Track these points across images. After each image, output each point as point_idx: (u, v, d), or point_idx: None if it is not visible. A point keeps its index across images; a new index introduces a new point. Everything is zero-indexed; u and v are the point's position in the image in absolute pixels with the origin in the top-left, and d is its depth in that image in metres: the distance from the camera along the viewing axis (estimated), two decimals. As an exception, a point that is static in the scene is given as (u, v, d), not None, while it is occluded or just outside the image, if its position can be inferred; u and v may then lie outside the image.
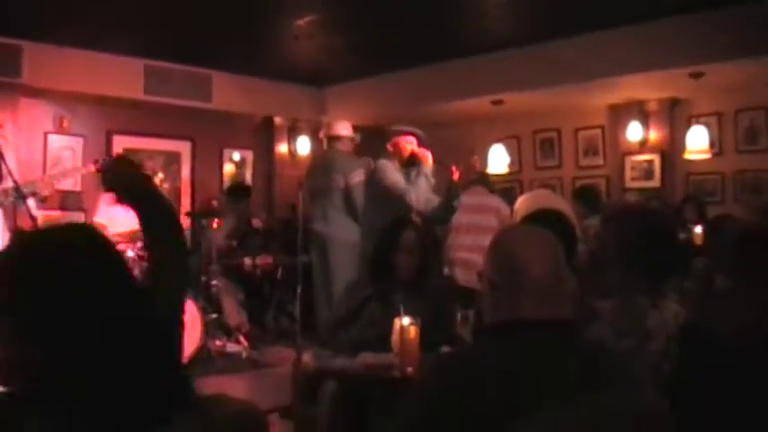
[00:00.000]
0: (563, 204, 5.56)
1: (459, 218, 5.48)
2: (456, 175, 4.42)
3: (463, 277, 5.34)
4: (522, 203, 5.92)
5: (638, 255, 2.16)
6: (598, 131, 7.62)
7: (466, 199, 5.61)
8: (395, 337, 2.74)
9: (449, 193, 4.49)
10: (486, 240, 5.99)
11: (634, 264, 2.16)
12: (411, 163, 4.63)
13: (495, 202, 5.64)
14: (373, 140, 5.55)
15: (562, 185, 7.78)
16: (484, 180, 5.86)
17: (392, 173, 4.56)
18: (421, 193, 4.52)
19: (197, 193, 8.01)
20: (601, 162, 7.60)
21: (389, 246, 3.12)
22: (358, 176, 5.27)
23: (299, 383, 3.13)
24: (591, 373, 1.49)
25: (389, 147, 4.72)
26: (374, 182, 4.66)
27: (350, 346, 2.92)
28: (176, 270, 1.68)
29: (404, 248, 3.10)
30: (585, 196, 6.00)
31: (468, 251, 5.39)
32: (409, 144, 4.70)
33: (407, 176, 4.59)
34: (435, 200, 4.57)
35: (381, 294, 3.09)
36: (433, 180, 4.61)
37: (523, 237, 1.67)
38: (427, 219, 4.53)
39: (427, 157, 4.62)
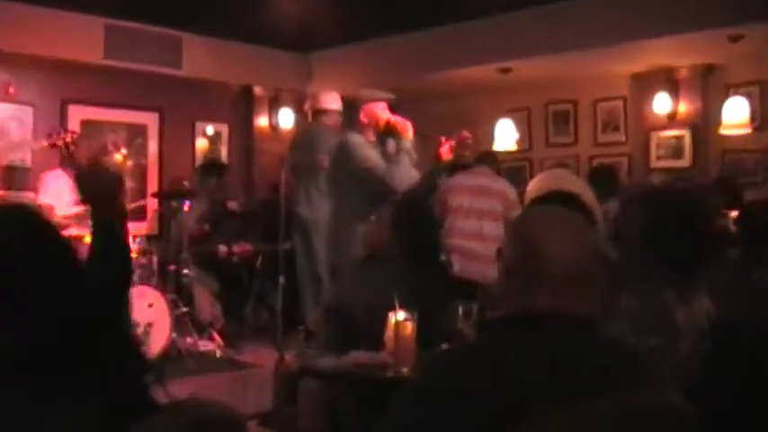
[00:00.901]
0: (581, 187, 5.51)
1: (459, 199, 5.48)
2: (445, 148, 4.27)
3: (461, 267, 5.36)
4: (534, 186, 5.89)
5: (667, 242, 2.13)
6: (619, 103, 7.62)
7: (467, 179, 5.61)
8: (389, 334, 2.76)
9: (432, 169, 4.33)
10: (489, 228, 5.94)
11: (661, 252, 2.14)
12: (387, 134, 4.42)
13: (501, 185, 5.65)
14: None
15: (578, 165, 7.78)
16: (489, 159, 5.86)
17: (366, 150, 4.32)
18: (404, 172, 4.30)
19: (165, 172, 7.98)
20: (622, 138, 7.61)
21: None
22: None
23: (281, 386, 3.15)
24: (610, 372, 1.49)
25: (363, 117, 4.48)
26: (343, 162, 4.41)
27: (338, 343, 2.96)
28: (111, 264, 1.69)
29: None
30: (602, 177, 5.99)
31: (466, 238, 5.40)
32: (383, 112, 4.46)
33: (383, 152, 4.39)
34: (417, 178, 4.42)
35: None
36: (414, 156, 4.42)
37: (546, 217, 1.65)
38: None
39: (407, 128, 4.40)
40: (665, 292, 2.13)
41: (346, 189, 4.43)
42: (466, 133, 4.33)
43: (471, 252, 5.36)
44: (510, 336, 1.54)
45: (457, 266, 5.37)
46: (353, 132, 4.43)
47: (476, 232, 5.39)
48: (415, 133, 4.44)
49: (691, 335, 2.07)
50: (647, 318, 2.09)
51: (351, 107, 4.60)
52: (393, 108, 4.55)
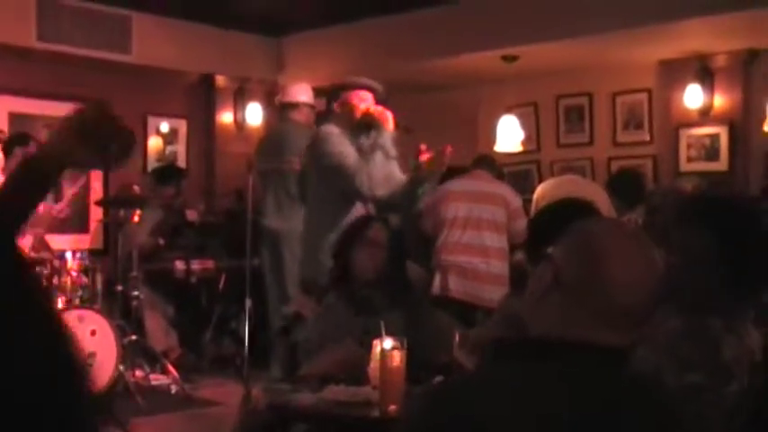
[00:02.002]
0: (597, 193, 5.59)
1: (453, 208, 5.50)
2: (424, 156, 4.26)
3: (459, 288, 5.37)
4: (542, 193, 5.96)
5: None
6: (643, 96, 7.65)
7: (463, 185, 5.64)
8: (373, 365, 2.75)
9: (412, 179, 4.32)
10: (491, 240, 6.01)
11: (708, 274, 2.14)
12: (364, 126, 4.42)
13: (503, 189, 5.68)
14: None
15: (593, 169, 7.81)
16: (488, 161, 5.90)
17: (337, 144, 4.32)
18: (376, 171, 4.28)
19: (112, 175, 7.94)
20: (646, 137, 7.64)
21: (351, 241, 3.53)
22: None
23: (247, 427, 3.13)
24: (641, 417, 1.49)
25: (337, 107, 4.52)
26: (313, 158, 4.48)
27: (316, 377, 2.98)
28: None
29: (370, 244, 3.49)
30: (625, 183, 6.01)
31: (465, 253, 5.42)
32: (363, 102, 4.47)
33: (359, 147, 4.38)
34: (398, 177, 4.41)
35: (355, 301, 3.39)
36: (394, 152, 4.41)
37: (619, 235, 1.62)
38: (380, 205, 4.39)
39: (387, 119, 4.38)
40: (710, 318, 2.13)
41: (316, 190, 4.47)
42: (449, 148, 4.31)
43: (471, 269, 5.37)
44: (522, 365, 1.53)
45: (453, 287, 5.39)
46: (329, 124, 4.46)
47: (476, 246, 5.41)
48: (397, 126, 4.44)
49: (740, 372, 2.06)
50: (688, 349, 2.09)
51: (332, 99, 4.61)
52: (381, 101, 4.55)
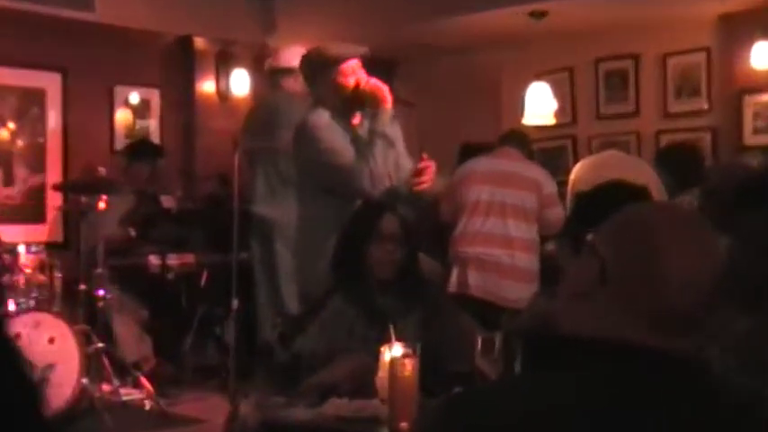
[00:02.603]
0: (645, 173, 5.56)
1: (475, 191, 5.51)
2: (421, 179, 4.30)
3: (479, 284, 5.38)
4: (581, 175, 5.93)
5: None
6: (700, 57, 7.63)
7: (487, 165, 5.64)
8: (382, 375, 2.77)
9: (411, 196, 4.38)
10: (517, 229, 6.06)
11: None
12: (355, 104, 4.39)
13: (535, 171, 5.68)
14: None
15: (640, 144, 7.81)
16: (518, 138, 5.89)
17: (329, 139, 4.25)
18: (379, 166, 4.24)
19: (73, 155, 7.95)
20: (704, 106, 7.62)
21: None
22: None
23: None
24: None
25: (321, 85, 4.43)
26: (303, 152, 4.42)
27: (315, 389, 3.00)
28: None
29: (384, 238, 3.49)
30: (678, 161, 6.02)
31: (486, 243, 5.43)
32: (351, 75, 4.36)
33: (348, 129, 4.34)
34: (404, 165, 4.42)
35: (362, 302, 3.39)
36: (398, 133, 4.40)
37: (684, 224, 1.61)
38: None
39: (384, 95, 4.29)
40: None
41: (310, 189, 4.44)
42: (426, 162, 4.30)
43: (492, 263, 5.38)
44: (572, 371, 1.52)
45: (473, 283, 5.40)
46: (318, 109, 4.36)
47: (499, 235, 5.42)
48: (396, 101, 4.37)
49: None
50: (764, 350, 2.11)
51: (314, 75, 4.51)
52: (367, 67, 4.45)
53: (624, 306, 1.54)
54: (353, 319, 3.41)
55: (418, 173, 4.30)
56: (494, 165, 5.61)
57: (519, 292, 5.21)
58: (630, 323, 1.53)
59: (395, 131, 4.37)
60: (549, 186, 5.63)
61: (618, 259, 1.57)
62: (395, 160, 4.36)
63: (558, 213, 5.58)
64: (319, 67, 4.42)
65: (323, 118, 4.29)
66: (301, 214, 4.59)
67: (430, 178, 4.31)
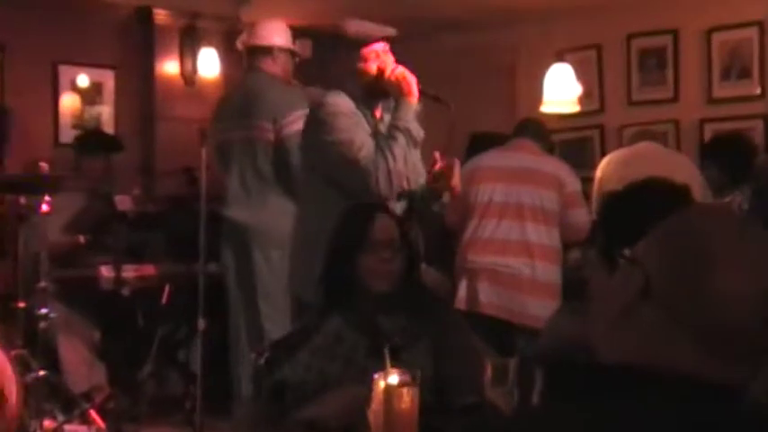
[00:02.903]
0: (685, 169, 5.58)
1: (487, 191, 5.51)
2: (439, 165, 4.31)
3: (492, 300, 5.37)
4: (610, 171, 5.95)
5: None
6: (752, 33, 7.68)
7: (500, 159, 5.64)
8: (375, 408, 2.75)
9: (427, 194, 4.45)
10: (536, 233, 6.12)
11: None
12: (377, 94, 4.43)
13: (555, 166, 5.67)
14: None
15: (679, 135, 7.88)
16: (535, 129, 5.89)
17: (347, 128, 4.26)
18: (398, 165, 4.26)
19: (11, 147, 7.97)
20: (755, 90, 7.67)
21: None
22: (299, 121, 5.26)
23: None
24: None
25: (341, 65, 4.45)
26: (312, 139, 4.44)
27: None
28: None
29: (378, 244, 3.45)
30: (723, 152, 6.03)
31: (501, 252, 5.42)
32: (375, 60, 4.41)
33: (372, 120, 4.39)
34: (421, 170, 4.49)
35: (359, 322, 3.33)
36: (421, 134, 4.42)
37: (735, 230, 1.61)
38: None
39: (411, 88, 4.34)
40: None
41: (316, 182, 4.44)
42: (441, 163, 4.32)
43: (508, 274, 5.37)
44: (609, 403, 1.52)
45: (485, 298, 5.39)
46: (336, 93, 4.35)
47: (516, 242, 5.41)
48: (423, 95, 4.41)
49: None
50: None
51: (324, 43, 4.56)
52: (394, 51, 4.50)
53: (672, 322, 1.54)
54: (352, 345, 3.38)
55: (435, 178, 4.31)
56: (507, 159, 5.60)
57: (540, 309, 5.19)
58: (680, 344, 1.53)
59: (419, 130, 4.38)
60: (573, 184, 5.61)
61: (664, 270, 1.57)
62: (414, 163, 4.40)
63: (582, 216, 5.57)
64: (337, 48, 4.46)
65: (344, 103, 4.29)
66: (302, 213, 4.60)
67: (454, 175, 4.30)
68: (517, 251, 5.41)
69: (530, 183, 5.51)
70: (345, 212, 3.69)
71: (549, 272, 5.47)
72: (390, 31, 4.50)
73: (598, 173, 6.05)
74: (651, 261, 1.58)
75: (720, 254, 1.54)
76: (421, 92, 4.37)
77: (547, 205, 5.49)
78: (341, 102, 4.30)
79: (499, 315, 5.38)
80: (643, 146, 6.24)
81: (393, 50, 4.49)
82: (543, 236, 5.45)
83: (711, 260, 1.54)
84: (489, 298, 5.39)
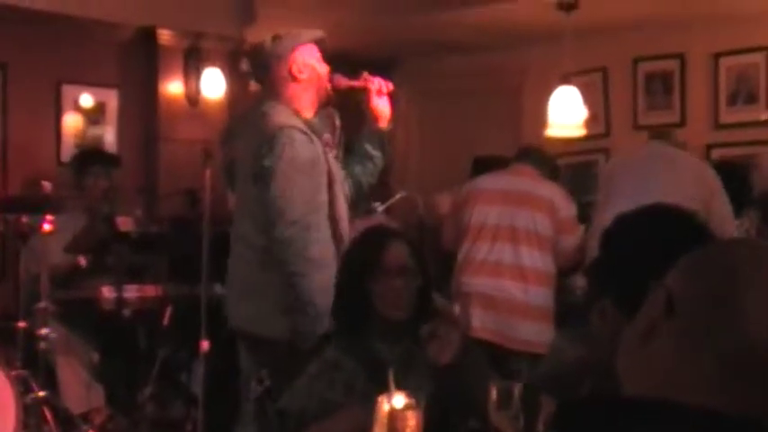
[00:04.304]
0: (700, 174, 5.52)
1: (481, 214, 5.51)
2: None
3: (487, 325, 5.36)
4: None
5: None
6: (759, 58, 7.68)
7: (498, 182, 5.65)
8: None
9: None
10: (529, 257, 6.03)
11: None
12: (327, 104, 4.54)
13: (550, 191, 5.65)
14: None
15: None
16: (535, 156, 5.87)
17: (295, 182, 4.26)
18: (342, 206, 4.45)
19: (11, 166, 7.97)
20: (763, 116, 7.65)
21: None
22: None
23: None
24: None
25: (296, 71, 4.48)
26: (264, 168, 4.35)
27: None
28: None
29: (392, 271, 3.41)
30: (737, 178, 6.00)
31: (492, 275, 5.41)
32: (314, 63, 4.52)
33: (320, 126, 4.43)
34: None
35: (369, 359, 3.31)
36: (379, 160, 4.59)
37: (763, 255, 1.60)
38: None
39: (381, 110, 4.56)
40: None
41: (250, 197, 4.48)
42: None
43: (502, 298, 5.36)
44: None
45: (479, 323, 5.38)
46: (292, 121, 4.34)
47: (510, 265, 5.40)
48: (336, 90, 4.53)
49: None
50: None
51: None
52: (324, 51, 4.55)
53: (696, 344, 1.52)
54: (352, 372, 3.36)
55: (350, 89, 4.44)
56: (503, 182, 5.61)
57: (532, 334, 5.21)
58: (703, 368, 1.51)
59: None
60: (566, 209, 5.59)
61: (689, 289, 1.57)
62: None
63: (571, 243, 5.56)
64: (281, 52, 4.48)
65: (294, 134, 4.29)
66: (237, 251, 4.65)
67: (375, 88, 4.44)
68: (510, 274, 5.40)
69: (524, 206, 5.51)
70: (358, 238, 3.70)
71: (542, 296, 5.46)
72: (321, 34, 4.56)
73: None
74: (676, 282, 1.58)
75: (750, 278, 1.53)
76: (335, 88, 4.48)
77: (540, 229, 5.49)
78: (293, 134, 4.28)
79: (494, 340, 5.37)
80: (646, 151, 6.05)
81: (401, 73, 4.55)
82: (537, 260, 5.45)
83: (741, 283, 1.53)
84: (484, 322, 5.38)
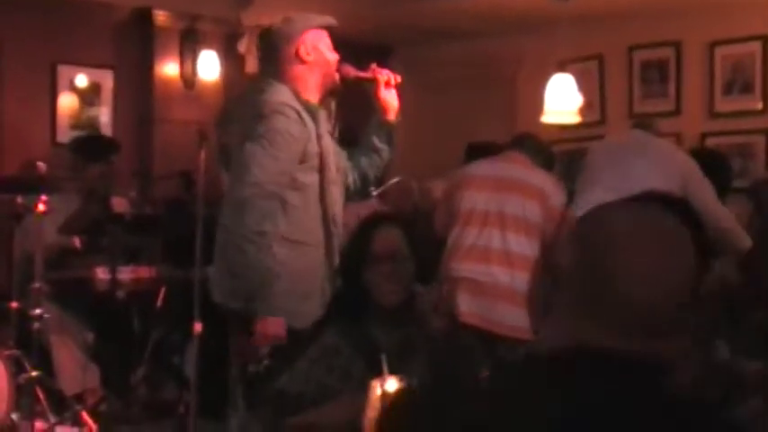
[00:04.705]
0: (676, 162, 5.54)
1: (471, 200, 5.50)
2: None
3: (473, 310, 5.36)
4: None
5: None
6: (754, 47, 7.69)
7: (488, 169, 5.65)
8: (370, 416, 2.78)
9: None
10: (517, 244, 6.00)
11: None
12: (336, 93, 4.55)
13: (540, 179, 5.62)
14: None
15: (682, 147, 7.81)
16: (529, 144, 5.85)
17: (272, 163, 4.20)
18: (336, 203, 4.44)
19: (7, 147, 7.97)
20: (757, 104, 7.69)
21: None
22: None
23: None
24: None
25: (304, 54, 4.45)
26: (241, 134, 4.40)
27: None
28: None
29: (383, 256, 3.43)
30: (714, 166, 5.99)
31: (479, 260, 5.41)
32: (322, 48, 4.48)
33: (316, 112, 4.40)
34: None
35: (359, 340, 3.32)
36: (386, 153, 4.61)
37: (630, 222, 1.71)
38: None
39: (389, 102, 4.56)
40: None
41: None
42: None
43: (489, 284, 5.35)
44: (538, 379, 1.64)
45: (465, 308, 5.38)
46: (286, 98, 4.31)
47: (497, 250, 5.40)
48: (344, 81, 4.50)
49: None
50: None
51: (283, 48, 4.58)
52: (333, 38, 4.54)
53: (584, 309, 1.64)
54: (349, 359, 3.35)
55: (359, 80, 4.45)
56: (494, 169, 5.59)
57: (517, 319, 5.21)
58: (587, 324, 1.63)
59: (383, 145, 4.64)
60: (556, 195, 5.53)
61: (573, 260, 1.68)
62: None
63: (561, 232, 5.56)
64: (289, 35, 4.46)
65: (285, 120, 4.27)
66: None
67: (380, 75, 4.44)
68: (498, 260, 5.39)
69: (514, 193, 5.48)
70: (359, 224, 3.69)
71: (528, 282, 5.44)
72: (332, 21, 4.54)
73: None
74: (566, 256, 1.71)
75: (622, 238, 1.64)
76: (343, 78, 4.47)
77: (529, 216, 5.45)
78: (282, 114, 4.26)
79: (480, 325, 5.36)
80: (630, 137, 6.09)
81: (396, 60, 4.55)
82: (525, 246, 5.40)
83: (613, 244, 1.63)
84: (470, 308, 5.36)
